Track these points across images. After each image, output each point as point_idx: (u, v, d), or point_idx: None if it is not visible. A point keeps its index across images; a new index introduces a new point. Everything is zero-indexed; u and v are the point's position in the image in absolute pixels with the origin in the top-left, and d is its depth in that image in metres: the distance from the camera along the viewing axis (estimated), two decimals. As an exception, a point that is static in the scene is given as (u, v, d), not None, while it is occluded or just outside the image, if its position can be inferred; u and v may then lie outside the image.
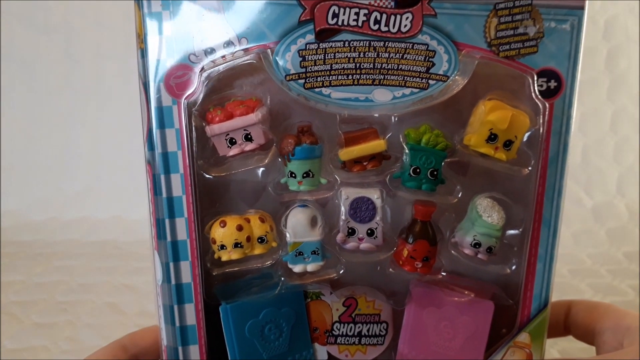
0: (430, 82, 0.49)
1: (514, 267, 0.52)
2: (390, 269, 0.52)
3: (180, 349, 0.52)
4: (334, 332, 0.55)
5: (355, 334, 0.56)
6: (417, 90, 0.49)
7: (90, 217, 1.28)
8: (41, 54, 1.29)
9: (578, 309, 0.56)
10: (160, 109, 0.49)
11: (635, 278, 1.03)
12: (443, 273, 0.53)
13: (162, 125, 0.49)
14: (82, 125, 1.30)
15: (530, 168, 0.50)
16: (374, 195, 0.51)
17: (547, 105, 0.49)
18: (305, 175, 0.49)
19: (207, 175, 0.50)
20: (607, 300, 0.93)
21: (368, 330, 0.56)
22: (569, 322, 0.56)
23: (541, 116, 0.49)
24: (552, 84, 0.49)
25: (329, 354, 0.56)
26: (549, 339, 0.55)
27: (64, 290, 1.01)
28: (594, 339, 0.54)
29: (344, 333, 0.55)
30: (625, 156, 1.29)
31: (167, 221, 0.50)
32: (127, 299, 0.95)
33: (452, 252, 0.52)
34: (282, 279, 0.53)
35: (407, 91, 0.49)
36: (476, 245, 0.50)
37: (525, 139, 0.50)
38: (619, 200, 1.28)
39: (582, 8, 0.48)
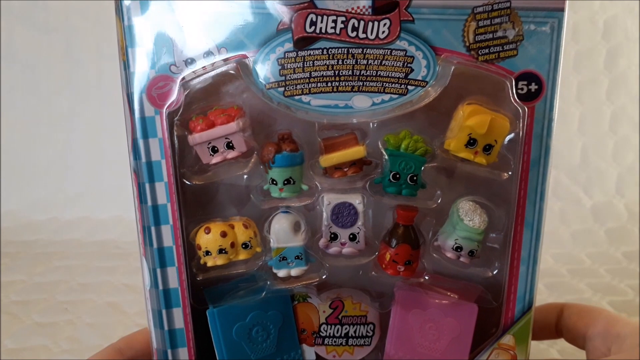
0: (409, 87, 0.49)
1: (496, 271, 0.52)
2: (373, 273, 0.53)
3: (169, 351, 0.53)
4: (321, 333, 0.56)
5: (343, 335, 0.56)
6: (396, 96, 0.49)
7: (90, 217, 1.29)
8: (41, 54, 1.29)
9: (570, 313, 0.56)
10: (143, 119, 0.50)
11: (634, 278, 1.02)
12: (426, 277, 0.53)
13: (145, 135, 0.50)
14: (82, 125, 1.31)
15: (510, 172, 0.50)
16: (356, 200, 0.51)
17: (526, 108, 0.49)
18: (286, 182, 0.50)
19: (191, 183, 0.51)
20: (606, 300, 0.92)
21: (355, 332, 0.56)
22: (561, 325, 0.56)
23: (521, 120, 0.49)
24: (533, 86, 0.49)
25: (316, 354, 0.57)
26: (541, 341, 0.56)
27: (65, 289, 1.02)
28: (585, 343, 0.53)
29: (331, 334, 0.56)
30: (624, 156, 1.28)
31: (152, 228, 0.51)
32: (127, 298, 0.96)
33: (435, 255, 0.52)
34: (268, 282, 0.54)
35: (386, 97, 0.49)
36: (458, 249, 0.51)
37: (505, 142, 0.50)
38: (618, 200, 1.26)
39: (562, 9, 0.48)
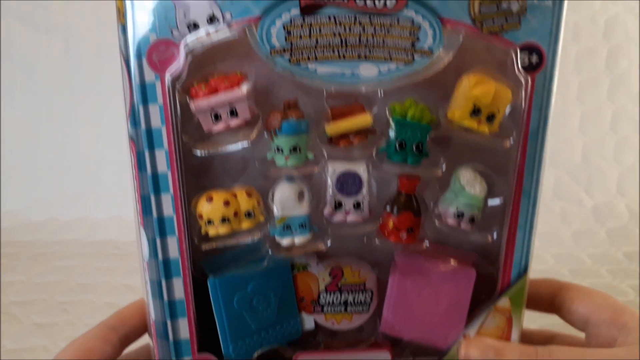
0: (416, 57, 0.49)
1: (495, 236, 0.54)
2: (377, 240, 0.53)
3: (169, 322, 0.52)
4: (320, 301, 0.57)
5: (341, 302, 0.57)
6: (403, 65, 0.49)
7: (90, 217, 1.28)
8: (41, 54, 1.27)
9: (572, 295, 0.56)
10: (143, 85, 0.48)
11: (635, 278, 1.04)
12: (427, 243, 0.54)
13: (145, 101, 0.48)
14: (82, 125, 1.29)
15: (512, 141, 0.51)
16: (361, 168, 0.51)
17: (529, 79, 0.50)
18: (292, 150, 0.49)
19: (193, 151, 0.50)
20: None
21: (354, 299, 0.57)
22: (559, 304, 0.57)
23: (523, 90, 0.50)
24: (534, 58, 0.50)
25: (315, 322, 0.57)
26: (533, 311, 0.58)
27: (64, 290, 1.01)
28: (587, 327, 0.54)
29: (330, 302, 0.57)
30: (625, 156, 1.30)
31: (152, 197, 0.50)
32: (127, 299, 0.94)
33: (436, 222, 0.53)
34: (270, 251, 0.54)
35: (392, 66, 0.49)
36: (459, 215, 0.52)
37: (507, 112, 0.51)
38: (619, 200, 1.28)
39: (565, -17, 0.49)
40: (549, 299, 0.58)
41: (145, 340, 0.56)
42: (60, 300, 0.97)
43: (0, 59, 1.27)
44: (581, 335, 0.56)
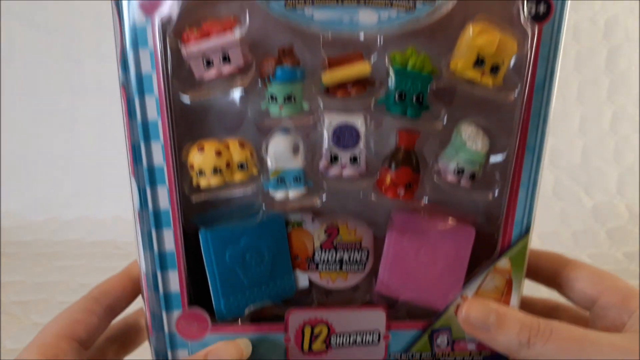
0: (417, 3, 0.47)
1: (496, 193, 0.52)
2: (373, 197, 0.52)
3: (159, 273, 0.51)
4: (315, 259, 0.55)
5: (337, 260, 0.56)
6: (404, 12, 0.47)
7: (90, 217, 1.28)
8: (41, 54, 1.27)
9: (580, 274, 0.54)
10: (133, 28, 0.46)
11: (635, 278, 1.03)
12: (425, 200, 0.52)
13: (135, 45, 0.47)
14: (81, 125, 1.29)
15: (516, 94, 0.49)
16: (358, 121, 0.49)
17: (536, 29, 0.47)
18: (287, 99, 0.47)
19: (183, 98, 0.48)
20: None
21: (349, 257, 0.56)
22: (563, 282, 0.55)
23: (529, 41, 0.48)
24: (541, 8, 0.47)
25: (310, 280, 0.56)
26: (533, 281, 0.56)
27: (64, 290, 1.01)
28: (593, 308, 0.53)
29: (325, 260, 0.56)
30: (625, 156, 1.29)
31: (142, 145, 0.49)
32: None
33: (435, 179, 0.51)
34: (264, 206, 0.52)
35: (393, 13, 0.47)
36: (460, 171, 0.50)
37: (511, 65, 0.49)
38: (619, 200, 1.28)
39: None
40: (551, 273, 0.56)
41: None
42: (60, 300, 0.98)
43: (0, 59, 1.27)
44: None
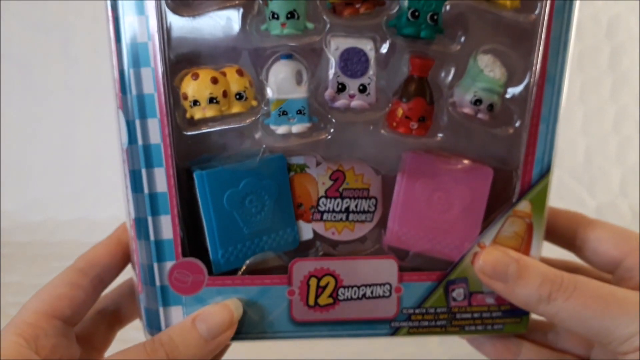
0: None
1: (517, 126, 0.48)
2: (383, 131, 0.47)
3: (149, 219, 0.46)
4: (319, 208, 0.51)
5: (343, 209, 0.51)
6: None
7: (88, 218, 1.25)
8: (40, 54, 1.25)
9: (603, 235, 0.51)
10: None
11: None
12: (440, 136, 0.48)
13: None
14: (80, 125, 1.27)
15: (534, 15, 0.46)
16: (367, 46, 0.45)
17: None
18: (289, 15, 0.43)
19: (178, 16, 0.44)
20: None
21: (356, 206, 0.51)
22: (581, 241, 0.52)
23: (550, -42, 0.45)
24: None
25: (314, 231, 0.51)
26: (549, 242, 0.53)
27: None
28: (617, 271, 0.49)
29: (331, 209, 0.51)
30: (628, 156, 1.27)
31: (131, 71, 0.44)
32: None
33: (450, 111, 0.47)
34: (264, 146, 0.48)
35: None
36: (477, 102, 0.46)
37: (530, -14, 0.46)
38: (621, 200, 1.26)
39: None
40: (570, 234, 0.53)
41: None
42: (60, 300, 0.94)
43: (-1, 59, 1.27)
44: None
